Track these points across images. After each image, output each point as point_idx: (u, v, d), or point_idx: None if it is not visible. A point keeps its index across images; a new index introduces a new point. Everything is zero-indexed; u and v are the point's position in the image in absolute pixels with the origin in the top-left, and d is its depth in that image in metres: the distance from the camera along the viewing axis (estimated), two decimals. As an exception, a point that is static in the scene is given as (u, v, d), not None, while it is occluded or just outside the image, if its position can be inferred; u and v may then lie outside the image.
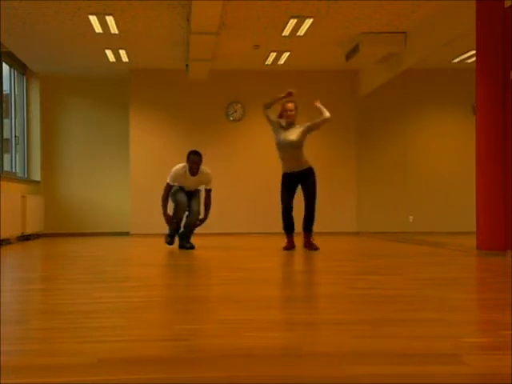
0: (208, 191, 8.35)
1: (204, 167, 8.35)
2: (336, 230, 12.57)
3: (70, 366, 2.07)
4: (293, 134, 7.71)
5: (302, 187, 7.82)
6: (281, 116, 7.85)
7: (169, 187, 8.30)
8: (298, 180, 7.79)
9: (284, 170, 7.88)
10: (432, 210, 12.95)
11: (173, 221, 8.35)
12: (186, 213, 8.34)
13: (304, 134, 7.76)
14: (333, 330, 2.71)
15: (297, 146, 7.71)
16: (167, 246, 8.58)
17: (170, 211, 8.39)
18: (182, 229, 8.46)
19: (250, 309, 3.34)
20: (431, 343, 2.40)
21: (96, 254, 7.53)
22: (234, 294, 3.92)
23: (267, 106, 7.75)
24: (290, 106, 7.74)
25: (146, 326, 2.80)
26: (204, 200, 8.36)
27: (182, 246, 8.36)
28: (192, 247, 8.28)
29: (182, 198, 8.24)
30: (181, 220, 8.36)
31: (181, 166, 8.30)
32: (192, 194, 8.36)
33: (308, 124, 7.83)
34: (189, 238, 8.40)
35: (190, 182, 8.30)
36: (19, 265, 6.34)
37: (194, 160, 8.22)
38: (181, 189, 8.32)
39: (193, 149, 8.45)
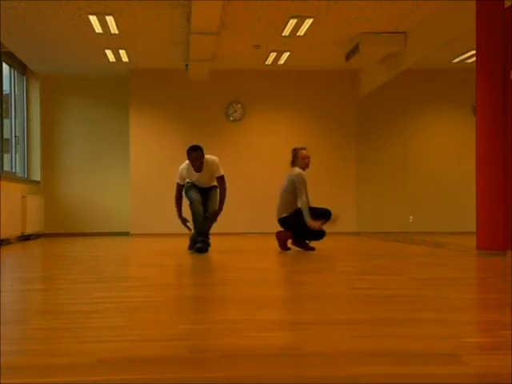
0: (220, 178, 7.66)
1: (208, 156, 7.64)
2: (336, 230, 12.55)
3: (70, 366, 2.07)
4: None
5: None
6: (293, 163, 7.91)
7: (178, 186, 7.70)
8: None
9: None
10: (432, 210, 12.95)
11: (186, 224, 7.69)
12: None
13: None
14: (333, 330, 2.71)
15: None
16: (197, 252, 7.52)
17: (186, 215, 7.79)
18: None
19: (250, 309, 3.34)
20: (431, 343, 2.40)
21: (96, 254, 7.53)
22: (234, 294, 3.92)
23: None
24: (307, 153, 7.93)
25: (146, 326, 2.80)
26: (219, 187, 7.71)
27: (197, 249, 7.54)
28: (207, 248, 7.59)
29: (194, 194, 7.57)
30: (202, 217, 7.53)
31: (184, 164, 7.69)
32: (208, 193, 7.68)
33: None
34: (204, 239, 7.62)
35: (199, 178, 7.65)
36: (19, 265, 6.34)
37: (195, 157, 7.54)
38: (193, 185, 7.68)
39: (191, 145, 7.75)
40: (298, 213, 7.74)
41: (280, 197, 7.93)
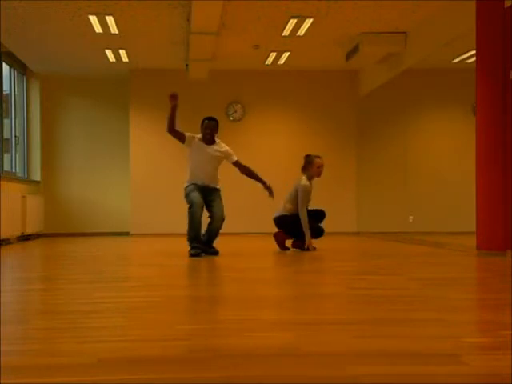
0: (236, 162, 7.50)
1: (220, 141, 7.50)
2: (336, 230, 12.55)
3: (70, 366, 2.07)
4: None
5: None
6: (305, 169, 7.92)
7: (181, 132, 7.59)
8: None
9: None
10: (432, 210, 12.95)
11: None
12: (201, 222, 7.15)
13: None
14: (333, 330, 2.71)
15: None
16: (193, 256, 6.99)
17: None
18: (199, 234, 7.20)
19: (250, 309, 3.34)
20: (431, 343, 2.40)
21: (96, 254, 7.53)
22: (234, 294, 3.92)
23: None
24: (322, 162, 7.95)
25: (146, 326, 2.80)
26: (243, 171, 7.53)
27: (204, 251, 7.14)
28: (215, 253, 7.18)
29: (196, 197, 7.10)
30: (199, 223, 7.09)
31: (196, 135, 7.52)
32: (211, 196, 7.29)
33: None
34: (212, 242, 7.28)
35: (203, 153, 7.34)
36: (19, 265, 6.34)
37: (207, 125, 7.39)
38: (196, 188, 7.21)
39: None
40: (297, 216, 7.77)
41: (285, 200, 7.95)
